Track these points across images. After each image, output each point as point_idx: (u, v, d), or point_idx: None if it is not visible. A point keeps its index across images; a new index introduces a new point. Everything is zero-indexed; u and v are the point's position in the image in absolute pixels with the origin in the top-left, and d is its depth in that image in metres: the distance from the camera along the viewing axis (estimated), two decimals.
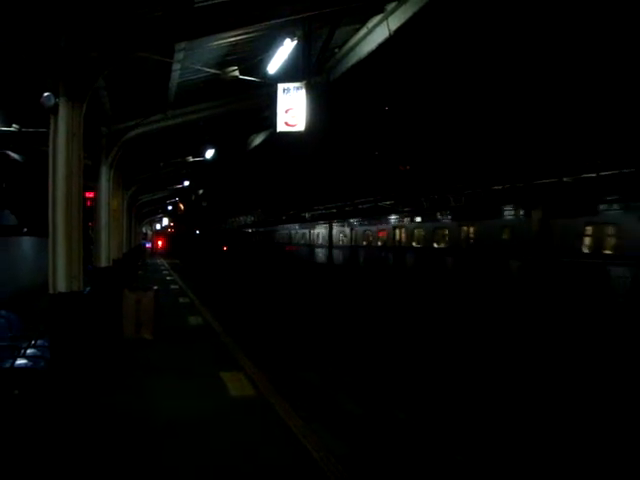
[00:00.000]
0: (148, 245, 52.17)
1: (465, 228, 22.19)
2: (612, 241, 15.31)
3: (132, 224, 26.58)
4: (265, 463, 4.85)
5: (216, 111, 12.09)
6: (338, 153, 23.92)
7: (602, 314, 13.43)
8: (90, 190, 12.60)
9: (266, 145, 18.03)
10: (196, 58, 8.83)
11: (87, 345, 6.49)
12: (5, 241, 14.62)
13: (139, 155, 15.40)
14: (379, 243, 30.76)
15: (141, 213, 38.00)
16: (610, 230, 15.33)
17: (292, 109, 8.62)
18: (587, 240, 16.04)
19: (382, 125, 20.31)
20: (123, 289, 10.56)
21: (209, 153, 16.90)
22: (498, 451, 5.72)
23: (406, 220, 27.40)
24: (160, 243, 64.86)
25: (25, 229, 16.81)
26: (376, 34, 8.76)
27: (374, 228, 31.25)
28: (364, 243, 32.53)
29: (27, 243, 16.58)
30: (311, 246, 41.48)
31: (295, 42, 8.22)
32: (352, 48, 9.73)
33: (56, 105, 5.97)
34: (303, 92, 8.62)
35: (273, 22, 6.90)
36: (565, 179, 16.84)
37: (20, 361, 6.23)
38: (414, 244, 26.39)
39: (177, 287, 21.60)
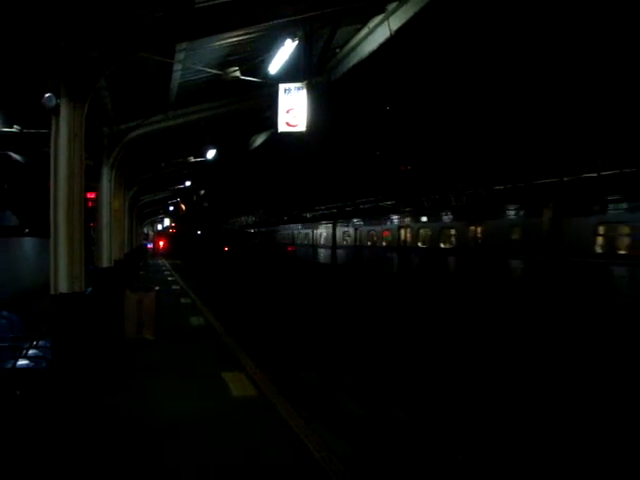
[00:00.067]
0: (149, 245, 52.27)
1: (473, 228, 21.99)
2: (627, 241, 14.88)
3: (133, 224, 26.58)
4: (267, 463, 4.85)
5: (217, 111, 12.09)
6: (339, 153, 23.93)
7: (616, 315, 13.19)
8: (92, 190, 12.62)
9: (267, 145, 18.04)
10: (197, 58, 8.83)
11: (89, 346, 6.48)
12: (7, 242, 14.64)
13: (141, 155, 15.40)
14: (384, 243, 30.69)
15: (142, 213, 38.02)
16: (625, 230, 14.90)
17: (293, 109, 8.62)
18: (600, 240, 15.67)
19: (383, 125, 20.32)
20: (125, 289, 10.56)
21: (210, 153, 16.89)
22: (499, 451, 5.72)
23: (409, 219, 27.27)
24: (161, 243, 64.83)
25: (27, 230, 16.84)
26: (377, 34, 8.76)
27: (379, 228, 31.16)
28: (368, 243, 32.47)
29: (29, 244, 16.59)
30: (314, 246, 41.41)
31: (296, 42, 8.21)
32: (353, 48, 9.73)
33: (57, 106, 5.96)
34: (304, 92, 8.61)
35: (274, 22, 6.90)
36: (583, 175, 16.29)
37: (22, 362, 6.24)
38: (419, 244, 26.28)
39: (178, 287, 21.60)
